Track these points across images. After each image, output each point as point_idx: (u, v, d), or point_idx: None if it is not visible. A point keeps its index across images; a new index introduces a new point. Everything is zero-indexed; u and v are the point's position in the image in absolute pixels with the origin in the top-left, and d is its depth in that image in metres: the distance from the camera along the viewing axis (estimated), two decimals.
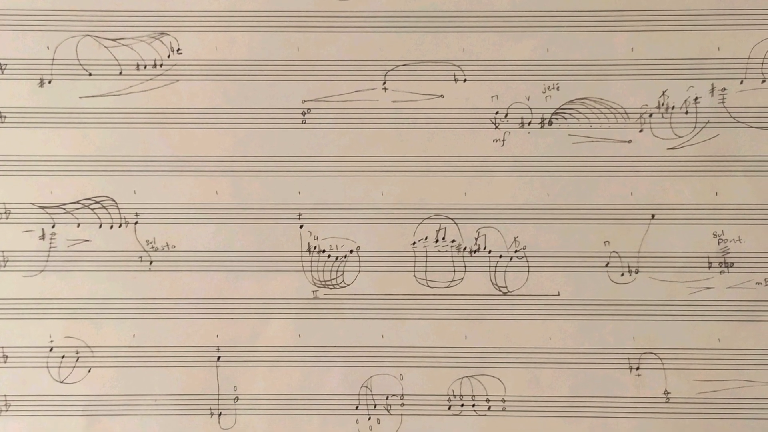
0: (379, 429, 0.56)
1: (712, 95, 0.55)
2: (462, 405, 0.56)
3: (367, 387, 0.56)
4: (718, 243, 0.55)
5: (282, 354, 0.56)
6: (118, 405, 0.56)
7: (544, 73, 0.56)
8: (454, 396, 0.56)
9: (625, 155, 0.55)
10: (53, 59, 0.56)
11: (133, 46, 0.56)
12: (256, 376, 0.56)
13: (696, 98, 0.56)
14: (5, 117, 0.56)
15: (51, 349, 0.56)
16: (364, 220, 0.56)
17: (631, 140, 0.56)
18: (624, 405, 0.55)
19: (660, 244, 0.55)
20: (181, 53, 0.56)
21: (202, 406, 0.56)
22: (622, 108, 0.56)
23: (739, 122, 0.55)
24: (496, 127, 0.56)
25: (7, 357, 0.56)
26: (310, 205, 0.56)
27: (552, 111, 0.56)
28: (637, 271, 0.55)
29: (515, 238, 0.56)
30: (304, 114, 0.56)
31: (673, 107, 0.56)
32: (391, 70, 0.56)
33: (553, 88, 0.56)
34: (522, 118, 0.56)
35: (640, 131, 0.56)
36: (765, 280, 0.55)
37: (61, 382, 0.56)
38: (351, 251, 0.56)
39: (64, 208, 0.56)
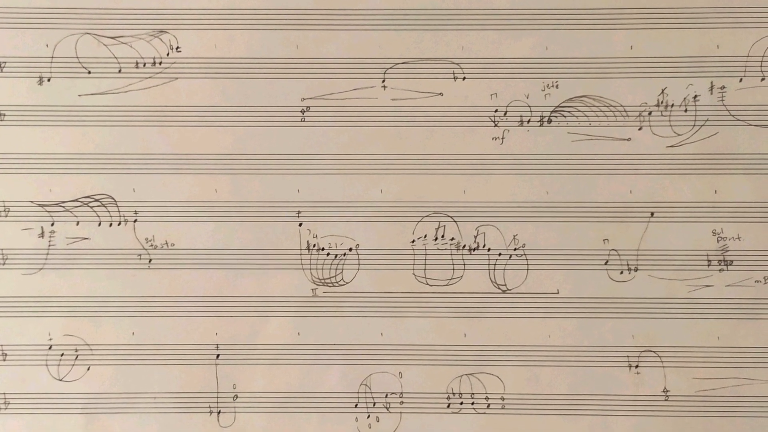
0: (378, 427, 0.56)
1: (711, 93, 0.55)
2: (461, 403, 0.56)
3: (366, 385, 0.56)
4: (718, 241, 0.55)
5: (281, 352, 0.56)
6: (117, 403, 0.56)
7: (544, 71, 0.56)
8: (454, 394, 0.56)
9: (624, 153, 0.55)
10: (52, 57, 0.56)
11: (132, 44, 0.56)
12: (255, 374, 0.56)
13: (695, 96, 0.56)
14: (4, 115, 0.56)
15: (50, 347, 0.56)
16: (363, 218, 0.56)
17: (630, 138, 0.56)
18: (623, 403, 0.55)
19: (659, 242, 0.55)
20: (180, 51, 0.56)
21: (201, 403, 0.56)
22: (622, 106, 0.56)
23: (739, 120, 0.55)
24: (496, 125, 0.56)
25: (6, 355, 0.56)
26: (309, 203, 0.56)
27: (551, 109, 0.56)
28: (636, 269, 0.55)
29: (514, 236, 0.56)
30: (303, 112, 0.56)
31: (672, 105, 0.56)
32: (391, 68, 0.56)
33: (553, 86, 0.56)
34: (521, 116, 0.56)
35: (640, 129, 0.56)
36: (764, 278, 0.55)
37: (60, 380, 0.56)
38: (350, 249, 0.56)
39: (64, 206, 0.56)
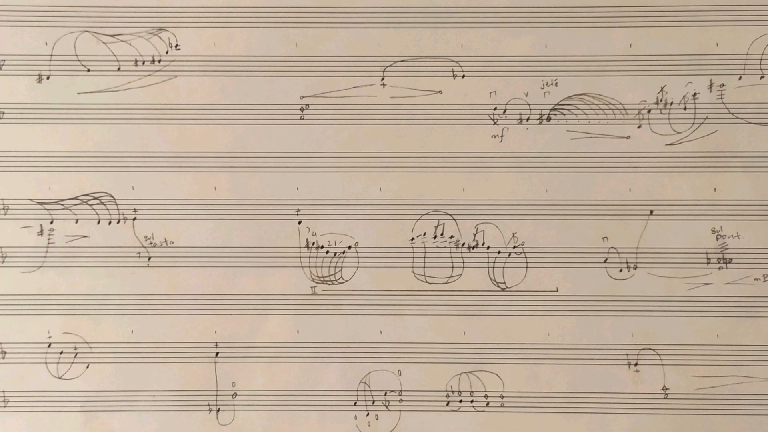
0: (377, 425, 0.56)
1: (710, 91, 0.55)
2: (460, 401, 0.56)
3: (365, 383, 0.56)
4: (717, 239, 0.55)
5: (280, 350, 0.56)
6: (116, 401, 0.56)
7: (543, 69, 0.56)
8: (453, 392, 0.56)
9: (623, 151, 0.55)
10: (51, 55, 0.56)
11: (131, 42, 0.56)
12: (254, 372, 0.56)
13: (694, 94, 0.56)
14: (3, 113, 0.56)
15: (49, 345, 0.56)
16: (362, 216, 0.56)
17: (629, 136, 0.56)
18: (622, 401, 0.55)
19: (658, 239, 0.55)
20: (179, 49, 0.56)
21: (200, 402, 0.56)
22: (621, 104, 0.56)
23: (738, 118, 0.55)
24: (495, 123, 0.56)
25: (5, 353, 0.56)
26: (308, 200, 0.56)
27: (550, 107, 0.56)
28: (635, 267, 0.55)
29: (513, 234, 0.56)
30: (302, 110, 0.56)
31: (671, 103, 0.56)
32: (390, 65, 0.56)
33: (552, 84, 0.56)
34: (520, 114, 0.56)
35: (639, 127, 0.56)
36: (763, 275, 0.55)
37: (60, 378, 0.56)
38: (349, 247, 0.56)
39: (63, 204, 0.56)
